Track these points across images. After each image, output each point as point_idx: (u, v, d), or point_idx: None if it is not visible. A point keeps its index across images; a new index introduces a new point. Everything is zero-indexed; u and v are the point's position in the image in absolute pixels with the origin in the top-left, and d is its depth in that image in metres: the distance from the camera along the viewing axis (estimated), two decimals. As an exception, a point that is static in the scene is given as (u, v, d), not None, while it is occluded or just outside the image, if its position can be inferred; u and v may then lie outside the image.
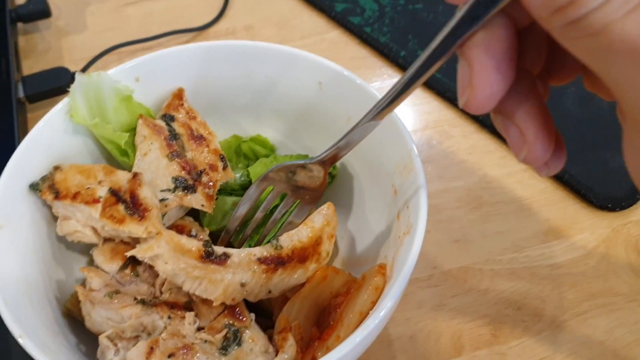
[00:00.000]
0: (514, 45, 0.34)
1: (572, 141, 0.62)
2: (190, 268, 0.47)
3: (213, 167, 0.55)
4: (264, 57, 0.58)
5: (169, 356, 0.44)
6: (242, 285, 0.47)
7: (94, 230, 0.51)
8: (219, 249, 0.48)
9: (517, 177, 0.67)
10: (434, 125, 0.73)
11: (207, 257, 0.47)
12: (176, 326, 0.47)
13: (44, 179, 0.51)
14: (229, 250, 0.48)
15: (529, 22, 0.34)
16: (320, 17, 0.85)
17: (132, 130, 0.57)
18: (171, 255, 0.47)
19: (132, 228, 0.48)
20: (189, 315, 0.47)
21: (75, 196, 0.50)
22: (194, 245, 0.48)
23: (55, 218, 0.53)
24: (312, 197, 0.54)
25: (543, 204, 0.64)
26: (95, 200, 0.49)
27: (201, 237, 0.53)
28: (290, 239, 0.49)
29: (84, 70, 0.77)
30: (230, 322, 0.47)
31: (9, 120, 0.69)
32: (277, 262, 0.48)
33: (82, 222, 0.50)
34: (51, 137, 0.54)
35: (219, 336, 0.46)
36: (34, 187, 0.50)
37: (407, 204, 0.48)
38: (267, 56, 0.58)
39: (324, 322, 0.51)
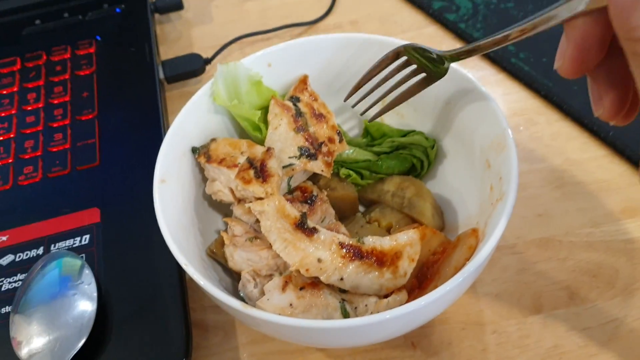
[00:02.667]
0: (603, 36, 0.42)
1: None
2: (283, 230, 0.55)
3: (331, 140, 0.65)
4: (375, 47, 0.67)
5: (301, 288, 0.54)
6: (319, 260, 0.52)
7: (232, 191, 0.62)
8: (311, 223, 0.55)
9: (597, 162, 0.73)
10: (521, 113, 0.80)
11: (300, 226, 0.55)
12: None
13: (202, 146, 0.63)
14: (319, 228, 0.55)
15: None
16: (419, 14, 0.94)
17: (262, 109, 0.68)
18: (274, 215, 0.56)
19: (255, 188, 0.58)
20: None
21: (221, 161, 0.61)
22: (294, 213, 0.56)
23: (203, 180, 0.65)
24: (427, 82, 0.59)
25: (621, 185, 0.71)
26: (235, 165, 0.60)
27: (320, 196, 0.63)
28: (373, 240, 0.54)
29: (212, 57, 0.89)
30: None
31: (153, 97, 0.81)
32: (355, 253, 0.53)
33: (223, 183, 0.61)
34: (198, 114, 0.65)
35: None
36: (194, 151, 0.62)
37: (500, 175, 0.56)
38: (378, 46, 0.67)
39: (422, 275, 0.58)
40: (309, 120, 0.66)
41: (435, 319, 0.62)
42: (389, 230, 0.63)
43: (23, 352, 0.56)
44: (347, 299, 0.54)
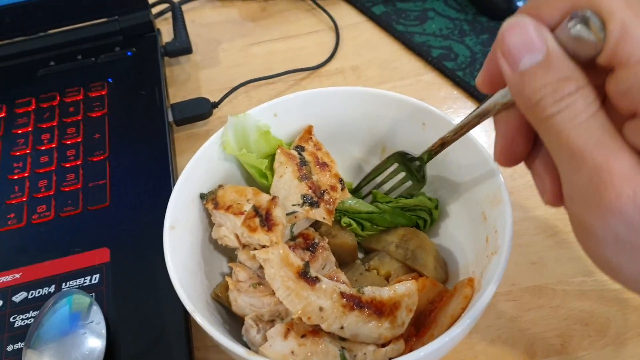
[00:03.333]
0: (525, 127, 0.45)
1: None
2: (286, 278, 0.57)
3: (333, 188, 0.68)
4: (377, 101, 0.71)
5: (302, 336, 0.57)
6: (320, 309, 0.54)
7: (237, 237, 0.64)
8: (313, 273, 0.58)
9: (590, 211, 0.76)
10: (517, 161, 0.83)
11: (303, 275, 0.57)
12: None
13: (210, 192, 0.66)
14: (321, 277, 0.57)
15: None
16: (418, 61, 0.98)
17: (269, 157, 0.71)
18: (277, 263, 0.58)
19: (260, 236, 0.61)
20: None
21: (228, 208, 0.64)
22: (297, 262, 0.59)
23: (210, 225, 0.67)
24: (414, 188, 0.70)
25: (612, 236, 0.73)
26: (241, 213, 0.63)
27: (322, 244, 0.66)
28: (372, 291, 0.56)
29: (219, 101, 0.92)
30: None
31: (163, 139, 0.84)
32: (355, 302, 0.55)
33: (229, 229, 0.64)
34: (207, 161, 0.68)
35: None
36: (202, 197, 0.65)
37: (495, 229, 0.59)
38: (380, 100, 0.71)
39: (420, 323, 0.60)
40: (312, 169, 0.69)
41: (431, 363, 0.64)
42: (387, 279, 0.66)
43: (34, 388, 0.58)
44: (346, 347, 0.56)
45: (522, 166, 0.84)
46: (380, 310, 0.55)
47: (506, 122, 0.46)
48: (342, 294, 0.55)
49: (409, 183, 0.70)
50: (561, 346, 0.65)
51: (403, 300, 0.56)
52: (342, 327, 0.54)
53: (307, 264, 0.58)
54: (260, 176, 0.70)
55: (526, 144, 0.46)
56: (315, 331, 0.56)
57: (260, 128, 0.70)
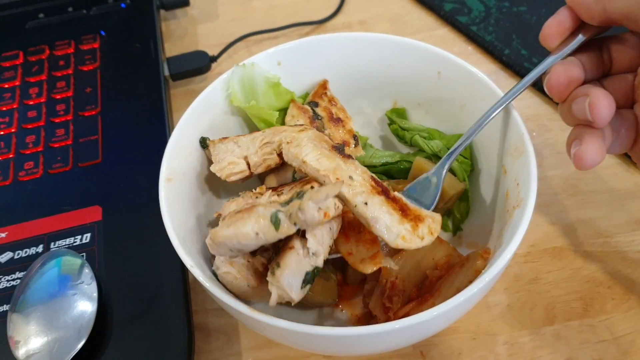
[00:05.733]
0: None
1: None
2: (320, 146, 0.54)
3: (346, 143, 0.63)
4: (390, 47, 0.66)
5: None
6: (350, 177, 0.51)
7: (247, 162, 0.59)
8: (347, 150, 0.55)
9: (612, 170, 0.72)
10: (534, 119, 0.78)
11: (337, 149, 0.54)
12: None
13: (204, 137, 0.61)
14: (354, 158, 0.55)
15: None
16: (430, 15, 0.92)
17: (279, 111, 0.67)
18: (310, 138, 0.54)
19: (288, 128, 0.58)
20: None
21: (238, 136, 0.59)
22: (330, 141, 0.56)
23: (209, 178, 0.63)
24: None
25: (636, 195, 0.69)
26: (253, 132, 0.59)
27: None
28: (401, 194, 0.54)
29: (218, 55, 0.87)
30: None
31: (158, 94, 0.79)
32: (383, 189, 0.52)
33: (238, 154, 0.59)
34: (206, 112, 0.63)
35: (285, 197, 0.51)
36: (203, 142, 0.60)
37: (517, 181, 0.55)
38: (393, 47, 0.66)
39: (424, 288, 0.57)
40: (326, 124, 0.65)
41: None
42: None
43: (20, 352, 0.54)
44: (283, 210, 0.48)
45: (538, 125, 0.81)
46: (405, 212, 0.51)
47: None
48: (373, 178, 0.52)
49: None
50: (583, 309, 0.62)
51: (426, 218, 0.52)
52: (366, 203, 0.50)
53: (341, 145, 0.55)
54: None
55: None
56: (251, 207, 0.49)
57: (269, 79, 0.65)
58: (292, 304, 0.49)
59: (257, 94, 0.65)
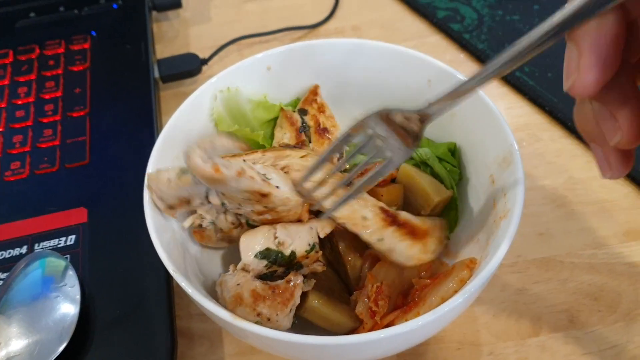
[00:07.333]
0: (622, 35, 0.36)
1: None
2: (332, 184, 0.55)
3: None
4: (380, 54, 0.66)
5: None
6: (364, 218, 0.55)
7: None
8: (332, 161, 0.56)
9: (601, 181, 0.71)
10: (524, 128, 0.78)
11: (346, 183, 0.55)
12: None
13: None
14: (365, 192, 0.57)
15: None
16: (422, 22, 0.92)
17: (268, 123, 0.68)
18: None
19: (292, 152, 0.58)
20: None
21: (233, 155, 0.57)
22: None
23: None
24: (398, 156, 0.50)
25: (625, 207, 0.69)
26: (252, 152, 0.58)
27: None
28: (405, 214, 0.56)
29: (209, 58, 0.87)
30: None
31: (147, 96, 0.79)
32: (393, 219, 0.55)
33: None
34: (194, 115, 0.63)
35: None
36: None
37: (505, 192, 0.54)
38: (384, 54, 0.66)
39: (409, 297, 0.57)
40: (312, 136, 0.65)
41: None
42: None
43: (1, 354, 0.54)
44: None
45: (528, 135, 0.81)
46: (414, 232, 0.56)
47: (596, 35, 0.36)
48: (382, 209, 0.56)
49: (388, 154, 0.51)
50: (569, 321, 0.61)
51: (433, 231, 0.57)
52: (381, 239, 0.55)
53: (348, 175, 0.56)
54: (257, 147, 0.66)
55: (615, 64, 0.37)
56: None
57: (254, 100, 0.66)
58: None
59: (244, 113, 0.66)
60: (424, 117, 0.48)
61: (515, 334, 0.61)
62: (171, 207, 0.56)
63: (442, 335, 0.60)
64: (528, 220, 0.69)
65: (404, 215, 0.56)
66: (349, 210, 0.55)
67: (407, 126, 0.49)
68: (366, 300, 0.54)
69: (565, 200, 0.70)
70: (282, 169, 0.56)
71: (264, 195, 0.52)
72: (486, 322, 0.62)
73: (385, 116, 0.50)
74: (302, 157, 0.57)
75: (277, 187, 0.53)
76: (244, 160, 0.55)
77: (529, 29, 0.89)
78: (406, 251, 0.55)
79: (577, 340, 0.60)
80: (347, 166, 0.62)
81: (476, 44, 0.87)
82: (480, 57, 0.86)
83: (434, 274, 0.58)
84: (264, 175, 0.53)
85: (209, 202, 0.55)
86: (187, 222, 0.58)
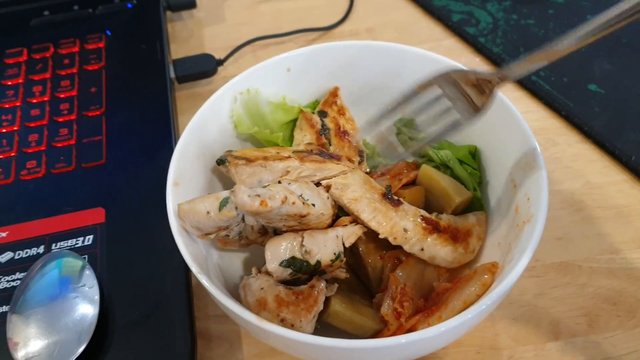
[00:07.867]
0: None
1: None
2: (373, 199, 0.56)
3: (350, 160, 0.63)
4: (399, 57, 0.66)
5: None
6: (405, 230, 0.55)
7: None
8: (394, 196, 0.57)
9: (618, 186, 0.72)
10: (540, 133, 0.78)
11: (386, 197, 0.57)
12: None
13: (224, 156, 0.59)
14: (402, 200, 0.57)
15: None
16: (437, 25, 0.92)
17: (287, 124, 0.68)
18: (361, 186, 0.57)
19: (332, 166, 0.58)
20: None
21: (265, 158, 0.57)
22: (379, 185, 0.58)
23: (216, 185, 0.62)
24: (465, 119, 0.54)
25: (643, 212, 0.69)
26: (287, 158, 0.57)
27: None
28: (447, 218, 0.58)
29: (225, 59, 0.86)
30: None
31: (164, 96, 0.78)
32: (434, 226, 0.56)
33: (268, 180, 0.57)
34: (214, 116, 0.63)
35: None
36: (221, 162, 0.58)
37: (528, 196, 0.54)
38: (404, 56, 0.66)
39: (430, 300, 0.57)
40: (332, 138, 0.64)
41: (450, 341, 0.60)
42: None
43: (20, 354, 0.53)
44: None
45: (544, 139, 0.81)
46: (456, 236, 0.57)
47: None
48: (423, 217, 0.56)
49: (453, 117, 0.55)
50: (588, 326, 0.61)
51: (474, 228, 0.58)
52: (422, 249, 0.56)
53: (389, 187, 0.57)
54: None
55: None
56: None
57: (273, 102, 0.66)
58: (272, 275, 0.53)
59: (264, 115, 0.66)
60: (502, 79, 0.51)
61: (534, 338, 0.61)
62: (208, 234, 0.55)
63: (462, 339, 0.60)
64: (546, 224, 0.68)
65: (445, 219, 0.57)
66: (390, 224, 0.55)
67: (475, 90, 0.52)
68: (391, 301, 0.54)
69: (583, 205, 0.70)
70: (321, 181, 0.57)
71: (303, 216, 0.52)
72: (505, 326, 0.62)
73: (457, 77, 0.52)
74: (343, 172, 0.58)
75: (313, 204, 0.53)
76: (281, 177, 0.56)
77: (543, 34, 0.90)
78: (447, 257, 0.56)
79: (597, 345, 0.60)
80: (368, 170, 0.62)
81: (491, 47, 0.87)
82: (495, 61, 0.86)
83: (454, 277, 0.58)
84: (301, 196, 0.53)
85: (244, 222, 0.55)
86: (214, 235, 0.57)
